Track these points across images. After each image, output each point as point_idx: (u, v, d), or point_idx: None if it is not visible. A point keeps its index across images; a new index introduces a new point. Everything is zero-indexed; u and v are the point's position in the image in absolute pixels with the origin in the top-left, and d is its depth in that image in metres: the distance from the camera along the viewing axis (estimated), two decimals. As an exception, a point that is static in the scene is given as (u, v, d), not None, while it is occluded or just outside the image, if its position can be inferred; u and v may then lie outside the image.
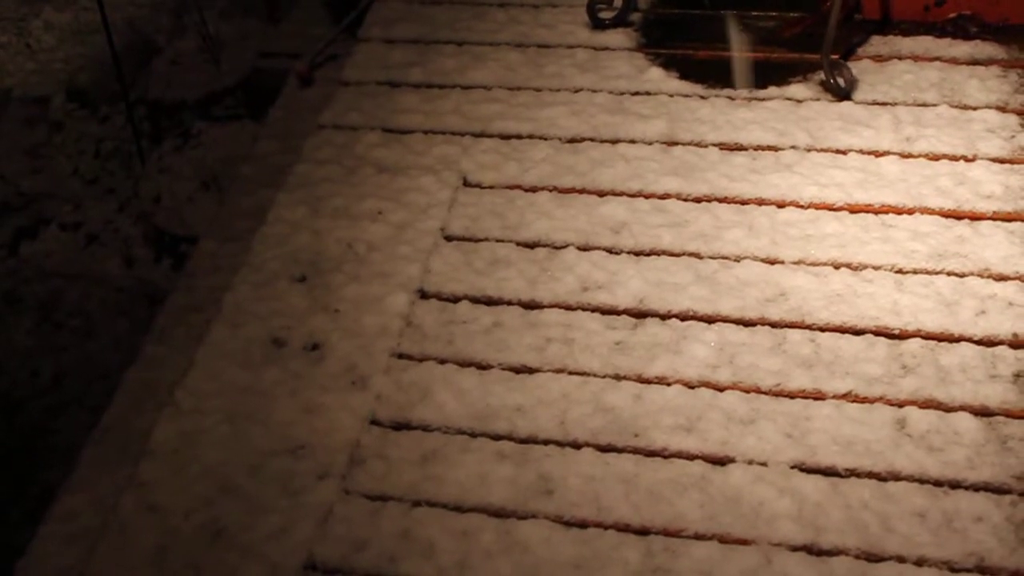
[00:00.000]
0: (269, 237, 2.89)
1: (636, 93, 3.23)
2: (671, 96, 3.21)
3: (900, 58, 3.29)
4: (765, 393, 2.43)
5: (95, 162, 4.28)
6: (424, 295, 2.72)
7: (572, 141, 3.09)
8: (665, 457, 2.33)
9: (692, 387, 2.45)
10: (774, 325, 2.58)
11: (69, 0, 5.07)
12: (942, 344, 2.51)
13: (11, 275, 3.89)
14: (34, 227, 4.06)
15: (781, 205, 2.88)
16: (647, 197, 2.92)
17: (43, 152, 4.35)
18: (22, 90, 4.62)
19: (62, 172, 4.26)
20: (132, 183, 4.12)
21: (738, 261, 2.74)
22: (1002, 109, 3.09)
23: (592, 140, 3.09)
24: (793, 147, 3.03)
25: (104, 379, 3.39)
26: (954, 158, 2.95)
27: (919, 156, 2.97)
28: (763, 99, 3.20)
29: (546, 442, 2.37)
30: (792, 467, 2.29)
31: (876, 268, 2.70)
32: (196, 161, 4.00)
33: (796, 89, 3.22)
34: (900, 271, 2.69)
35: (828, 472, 2.28)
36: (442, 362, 2.55)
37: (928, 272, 2.67)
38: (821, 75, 3.20)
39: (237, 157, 3.90)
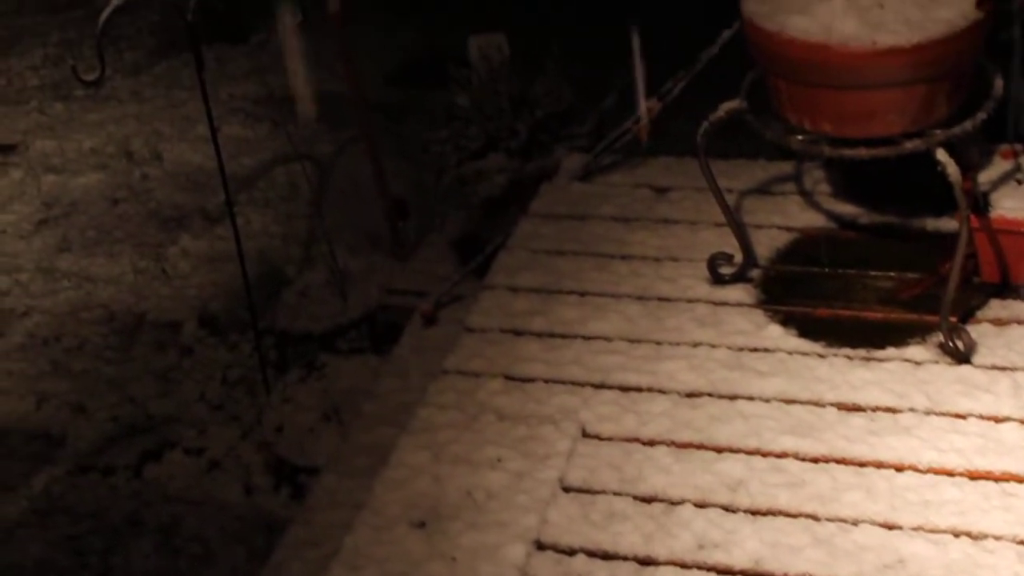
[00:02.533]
0: (390, 481, 2.95)
1: (755, 349, 3.28)
2: (789, 353, 3.26)
3: (1020, 322, 3.31)
4: (884, 667, 2.40)
5: (222, 388, 4.41)
6: (541, 547, 2.74)
7: (690, 395, 3.14)
8: None
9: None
10: (893, 594, 2.56)
11: (205, 228, 5.29)
12: (1066, 624, 2.46)
13: (134, 497, 3.99)
14: (159, 450, 4.17)
15: (899, 469, 2.88)
16: (764, 455, 2.94)
17: (172, 376, 4.49)
18: (156, 315, 4.80)
19: (189, 397, 4.39)
20: (256, 411, 4.23)
21: (856, 525, 2.73)
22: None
23: (710, 395, 3.14)
24: (912, 409, 3.04)
25: (220, 610, 3.44)
26: (1078, 426, 2.94)
27: (1041, 424, 2.96)
28: (881, 360, 3.22)
29: None
30: None
31: (997, 538, 2.67)
32: (319, 393, 4.10)
33: (915, 351, 3.24)
34: (1022, 542, 2.65)
35: None
36: (557, 617, 2.56)
37: (1052, 546, 2.64)
38: (940, 337, 3.22)
39: (359, 391, 4.00)
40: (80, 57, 6.93)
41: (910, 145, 3.11)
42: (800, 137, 3.19)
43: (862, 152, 3.13)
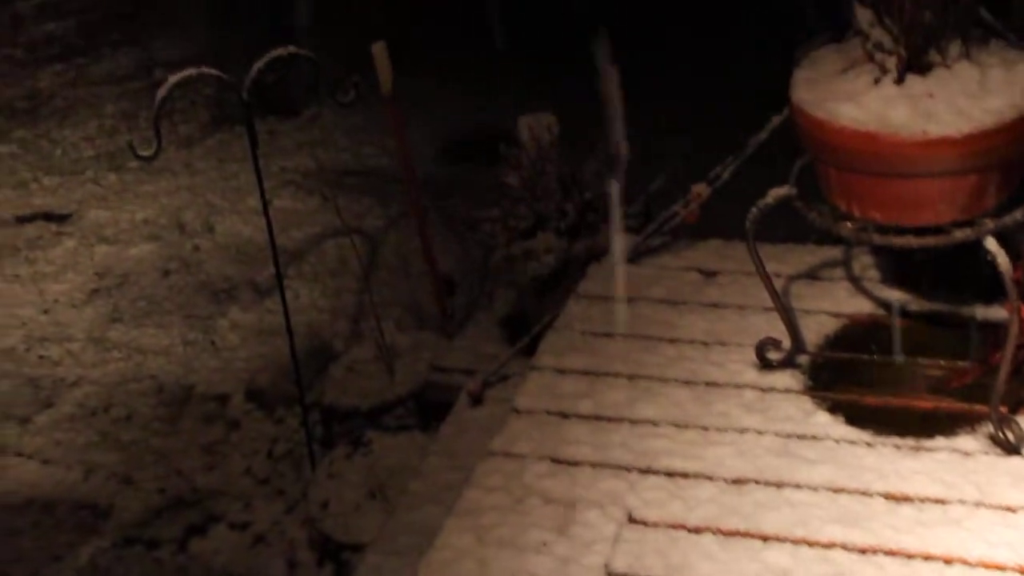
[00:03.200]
0: (434, 563, 2.94)
1: (802, 436, 3.26)
2: (837, 441, 3.24)
3: (1072, 407, 3.28)
4: None
5: (268, 463, 4.43)
6: (585, 634, 2.73)
7: (737, 482, 3.12)
8: None
9: None
10: None
11: (255, 301, 5.34)
12: None
13: (179, 571, 4.01)
14: (204, 524, 4.19)
15: (948, 561, 2.84)
16: (811, 545, 2.92)
17: (219, 449, 4.52)
18: (204, 387, 4.84)
19: (235, 470, 4.42)
20: (301, 486, 4.25)
21: (904, 618, 2.71)
22: None
23: (757, 482, 3.12)
24: (961, 501, 3.01)
25: None
26: None
27: (1093, 519, 2.93)
28: (930, 449, 3.20)
29: None
30: None
31: (1047, 635, 2.64)
32: (365, 469, 4.11)
33: (964, 441, 3.22)
34: (1073, 640, 2.62)
35: None
36: None
37: (1105, 646, 2.60)
38: (990, 427, 3.19)
39: (405, 468, 4.01)
40: (136, 128, 7.05)
41: (960, 234, 3.10)
42: (849, 224, 3.19)
43: (911, 241, 3.12)
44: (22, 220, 6.29)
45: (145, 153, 3.93)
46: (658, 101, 6.75)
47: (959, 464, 3.13)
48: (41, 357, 5.11)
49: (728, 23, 7.62)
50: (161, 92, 3.87)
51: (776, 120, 3.69)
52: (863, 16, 3.04)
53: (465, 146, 6.60)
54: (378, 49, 4.27)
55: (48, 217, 6.30)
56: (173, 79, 3.91)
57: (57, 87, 7.62)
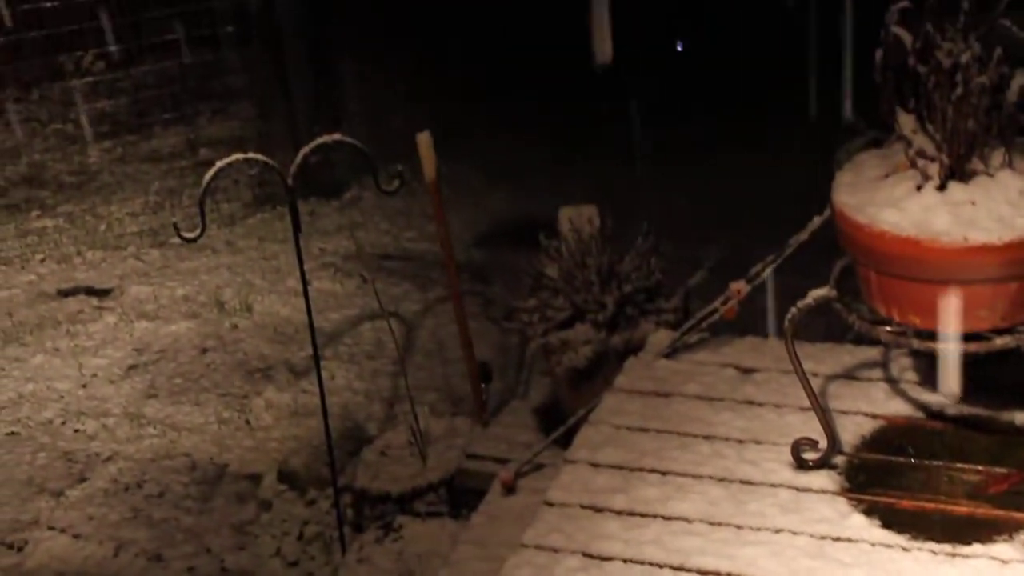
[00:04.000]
0: (464, 655, 2.93)
1: (838, 539, 3.23)
2: (873, 545, 3.21)
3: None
4: None
5: (298, 545, 4.43)
6: None
7: (771, 584, 3.10)
8: None
9: None
10: None
11: (290, 382, 5.37)
12: None
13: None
14: (231, 605, 4.19)
15: (984, 673, 2.81)
16: (845, 650, 2.89)
17: (249, 529, 4.52)
18: (237, 466, 4.85)
19: (265, 551, 4.41)
20: (331, 570, 4.24)
21: None
22: None
23: (791, 584, 3.09)
24: (997, 611, 2.98)
25: None
26: None
27: None
28: (967, 556, 3.16)
29: None
30: None
31: None
32: (395, 555, 4.11)
33: (1001, 548, 3.18)
34: None
35: None
36: None
37: None
38: (1027, 536, 3.16)
39: (435, 555, 4.00)
40: (180, 206, 7.16)
41: (1000, 342, 3.10)
42: (889, 328, 3.19)
43: (951, 347, 3.12)
44: (64, 293, 6.36)
45: (190, 236, 3.98)
46: (699, 196, 6.81)
47: (996, 572, 3.09)
48: (77, 431, 5.14)
49: (770, 121, 7.70)
50: (207, 176, 3.93)
51: (817, 221, 3.70)
52: (906, 122, 3.06)
53: (505, 232, 6.64)
54: (423, 139, 4.33)
55: (90, 291, 6.37)
56: (220, 163, 3.97)
57: (106, 163, 7.76)
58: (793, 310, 3.33)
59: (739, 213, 6.64)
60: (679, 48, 9.21)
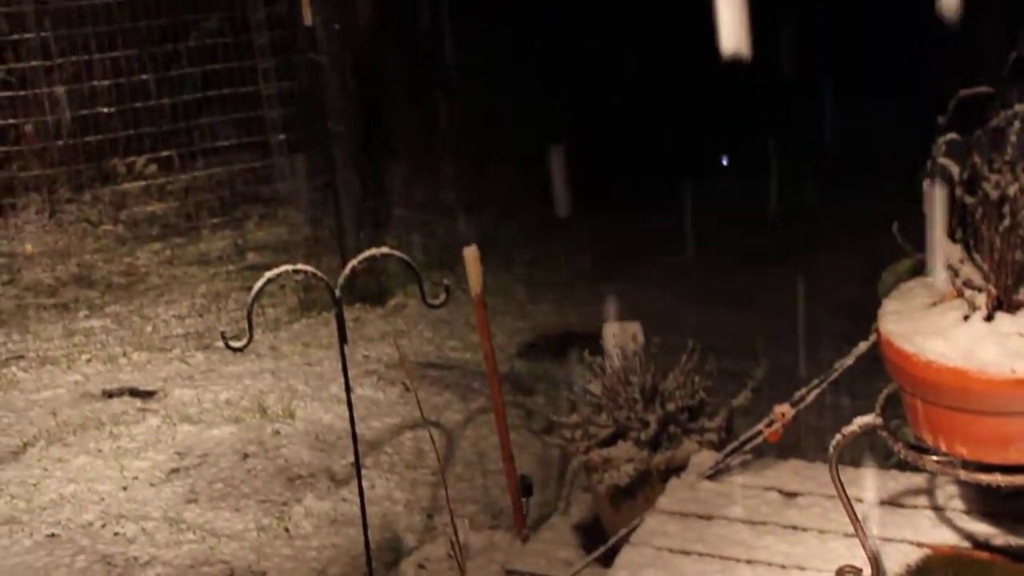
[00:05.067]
0: None
1: (881, 672, 3.19)
2: None
3: None
4: None
5: (328, 658, 4.40)
6: None
7: None
8: None
9: None
10: None
11: (331, 490, 5.36)
12: None
13: None
14: None
15: None
16: None
17: (285, 639, 4.50)
18: (275, 575, 4.83)
19: (298, 663, 4.39)
20: None
21: None
22: None
23: None
24: None
25: None
26: None
27: None
28: None
29: None
30: None
31: None
32: None
33: None
34: None
35: None
36: None
37: None
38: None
39: (472, 675, 3.96)
40: (225, 309, 7.23)
41: (1048, 474, 3.07)
42: (935, 458, 3.17)
43: (998, 478, 3.09)
44: (109, 394, 6.41)
45: (237, 345, 4.02)
46: (745, 308, 6.82)
47: None
48: (116, 534, 5.14)
49: (819, 237, 7.75)
50: (256, 287, 3.98)
51: (863, 346, 3.69)
52: (953, 253, 3.07)
53: (548, 343, 6.66)
54: (470, 254, 4.37)
55: (134, 393, 6.41)
56: (268, 274, 4.02)
57: (154, 265, 7.86)
58: (838, 436, 3.31)
59: (784, 327, 6.64)
60: (724, 162, 9.29)
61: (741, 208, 8.57)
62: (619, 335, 4.39)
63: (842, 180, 8.77)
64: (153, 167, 8.24)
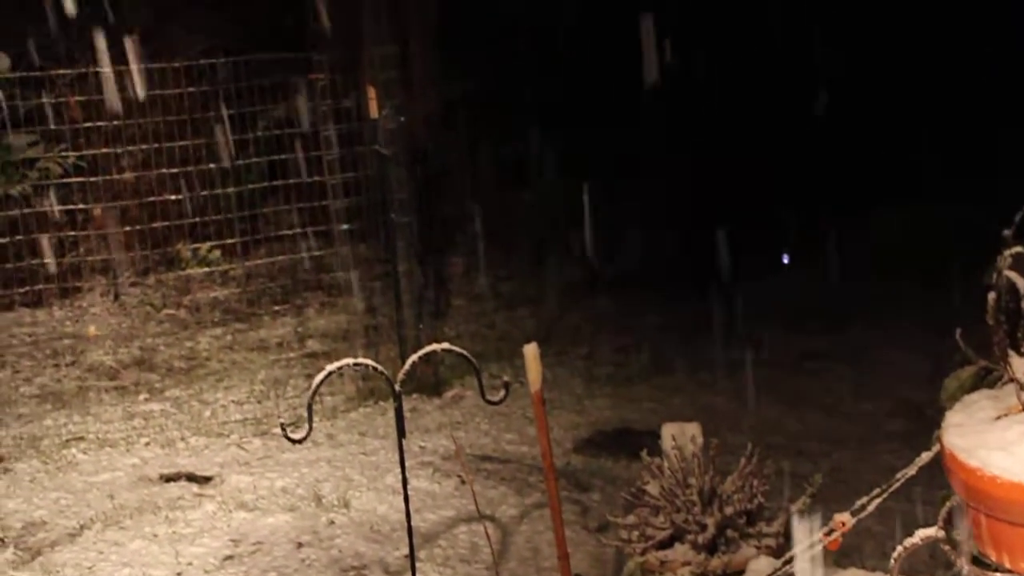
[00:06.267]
0: None
1: None
2: None
3: None
4: None
5: None
6: None
7: None
8: None
9: None
10: None
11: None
12: None
13: None
14: None
15: None
16: None
17: None
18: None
19: None
20: None
21: None
22: None
23: None
24: None
25: None
26: None
27: None
28: None
29: None
30: None
31: None
32: None
33: None
34: None
35: None
36: None
37: None
38: None
39: None
40: (284, 396, 7.28)
41: (1114, 597, 3.00)
42: (999, 575, 3.11)
43: (1065, 596, 3.03)
44: (166, 479, 6.45)
45: (296, 437, 4.05)
46: (805, 409, 6.78)
47: None
48: (170, 620, 5.16)
49: (883, 337, 7.72)
50: (316, 381, 4.00)
51: (925, 457, 3.65)
52: (1018, 366, 3.04)
53: (605, 440, 6.64)
54: (530, 351, 4.37)
55: (191, 478, 6.45)
56: (329, 367, 4.05)
57: (214, 350, 7.95)
58: (899, 549, 3.26)
59: (844, 427, 6.59)
60: (785, 260, 9.29)
61: (800, 303, 8.55)
62: (678, 436, 4.38)
63: (906, 276, 8.74)
64: (217, 253, 8.37)
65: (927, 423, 3.66)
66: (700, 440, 4.42)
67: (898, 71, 10.41)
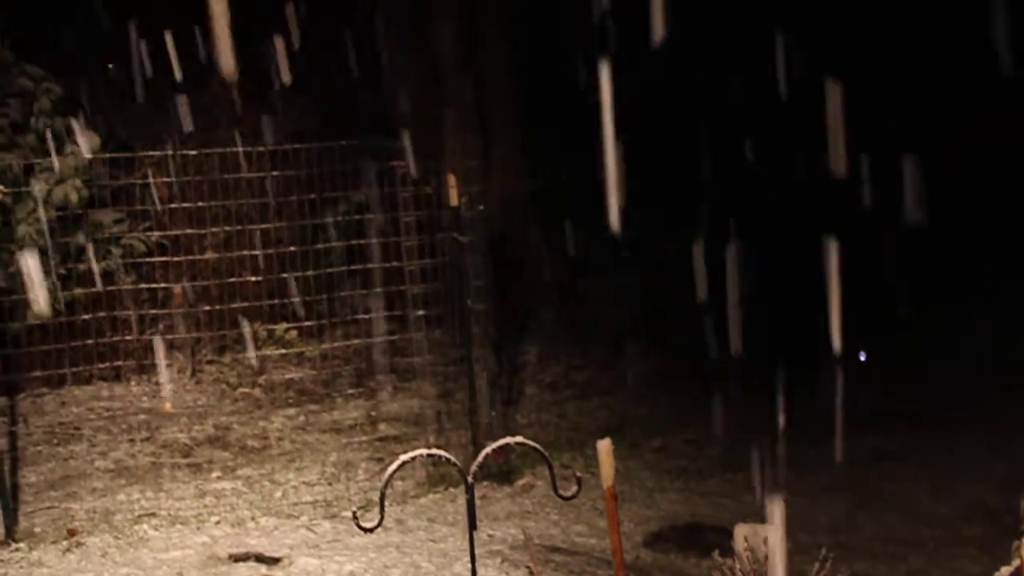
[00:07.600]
0: None
1: None
2: None
3: None
4: None
5: None
6: None
7: None
8: None
9: None
10: None
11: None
12: None
13: None
14: None
15: None
16: None
17: None
18: None
19: None
20: None
21: None
22: None
23: None
24: None
25: None
26: None
27: None
28: None
29: None
30: None
31: None
32: None
33: None
34: None
35: None
36: None
37: None
38: None
39: None
40: (354, 479, 7.29)
41: None
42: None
43: None
44: (235, 559, 6.45)
45: (367, 525, 4.06)
46: (877, 513, 6.68)
47: None
48: None
49: (960, 438, 7.62)
50: (390, 471, 4.04)
51: (1005, 572, 3.60)
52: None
53: (675, 534, 6.57)
54: (603, 447, 4.35)
55: (260, 559, 6.44)
56: (403, 457, 4.07)
57: (287, 430, 7.99)
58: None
59: (918, 530, 6.48)
60: (862, 357, 9.20)
61: (876, 402, 8.45)
62: (751, 538, 4.33)
63: (984, 379, 8.63)
64: (293, 334, 8.45)
65: (1004, 529, 3.61)
66: (773, 543, 4.36)
67: (986, 180, 10.39)
